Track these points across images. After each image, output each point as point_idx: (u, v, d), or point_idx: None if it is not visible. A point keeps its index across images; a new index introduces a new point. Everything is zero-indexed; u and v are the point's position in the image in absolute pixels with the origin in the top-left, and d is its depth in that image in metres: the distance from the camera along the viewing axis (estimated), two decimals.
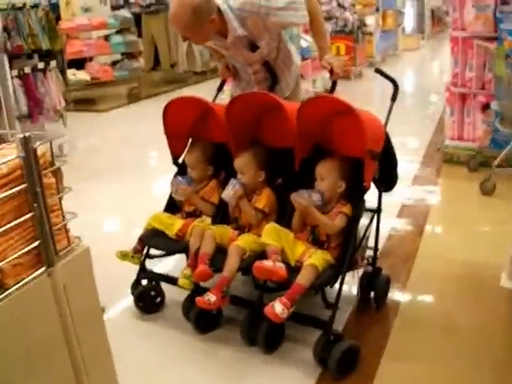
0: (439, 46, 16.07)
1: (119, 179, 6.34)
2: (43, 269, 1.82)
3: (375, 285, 3.47)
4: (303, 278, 2.84)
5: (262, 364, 3.06)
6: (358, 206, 3.09)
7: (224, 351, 3.20)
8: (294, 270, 2.96)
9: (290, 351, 3.13)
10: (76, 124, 8.80)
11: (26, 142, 1.74)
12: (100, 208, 5.57)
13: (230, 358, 3.14)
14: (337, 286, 3.00)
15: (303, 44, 8.55)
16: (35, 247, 1.81)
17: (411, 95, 9.90)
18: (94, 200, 5.89)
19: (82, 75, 9.97)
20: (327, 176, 3.10)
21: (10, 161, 1.72)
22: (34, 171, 1.76)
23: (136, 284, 3.61)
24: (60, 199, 1.99)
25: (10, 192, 1.71)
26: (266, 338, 3.05)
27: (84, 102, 10.46)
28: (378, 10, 12.80)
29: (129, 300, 3.63)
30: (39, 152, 1.79)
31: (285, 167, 3.33)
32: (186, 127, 3.69)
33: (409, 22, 16.53)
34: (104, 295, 3.72)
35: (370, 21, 12.34)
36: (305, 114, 3.12)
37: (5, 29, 6.16)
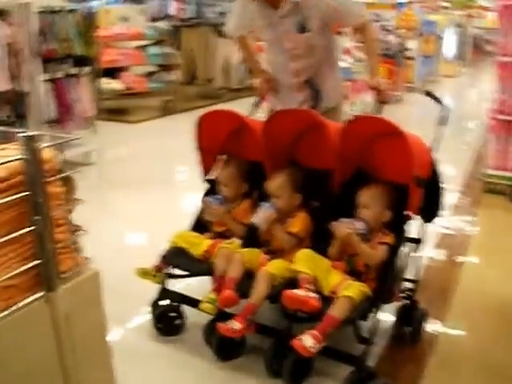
0: (479, 74, 15.83)
1: (146, 192, 6.18)
2: (41, 293, 1.58)
3: (412, 319, 3.23)
4: (337, 310, 2.63)
5: None
6: (400, 236, 2.88)
7: (245, 382, 2.98)
8: (327, 300, 2.74)
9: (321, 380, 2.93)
10: (106, 133, 8.71)
11: (29, 142, 1.50)
12: (124, 220, 5.43)
13: None
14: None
15: (343, 65, 8.36)
16: (33, 267, 1.56)
17: (449, 122, 9.45)
18: (119, 211, 5.82)
19: (115, 84, 9.87)
20: (372, 204, 2.90)
21: (9, 162, 1.49)
22: (38, 177, 1.53)
23: (156, 304, 3.41)
24: (68, 212, 1.75)
25: (7, 200, 1.48)
26: (292, 372, 2.82)
27: (116, 112, 10.36)
28: (421, 34, 12.57)
29: (147, 320, 3.43)
30: (45, 156, 1.56)
31: (322, 190, 3.13)
32: (218, 142, 3.51)
33: (450, 48, 16.25)
34: (121, 313, 3.67)
35: (412, 45, 12.12)
36: (349, 134, 2.93)
37: (40, 31, 6.05)
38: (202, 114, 3.37)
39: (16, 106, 6.01)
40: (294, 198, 3.14)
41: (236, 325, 2.78)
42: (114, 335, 3.40)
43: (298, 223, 3.11)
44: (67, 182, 3.04)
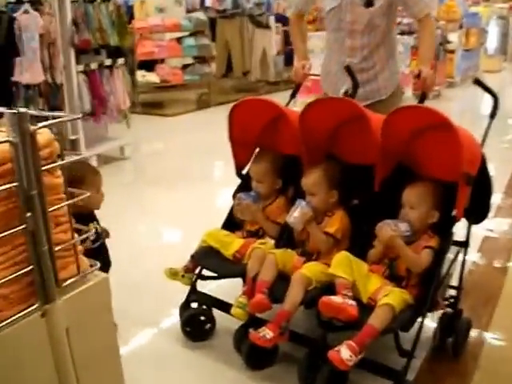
0: None
1: (181, 187, 6.05)
2: (36, 305, 1.34)
3: (455, 329, 2.97)
4: (377, 320, 2.42)
5: None
6: (446, 239, 2.65)
7: None
8: (366, 308, 2.54)
9: None
10: (142, 127, 8.62)
11: (20, 122, 1.26)
12: (156, 216, 5.31)
13: None
14: (413, 329, 2.56)
15: None
16: (27, 274, 1.32)
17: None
18: (153, 207, 5.69)
19: (151, 77, 9.76)
20: (418, 204, 2.66)
21: None
22: (30, 165, 1.28)
23: (185, 307, 3.24)
24: (70, 208, 1.48)
25: None
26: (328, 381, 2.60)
27: (152, 105, 10.27)
28: (461, 26, 12.17)
29: (176, 323, 3.26)
30: (42, 139, 1.31)
31: (362, 187, 2.90)
32: (253, 134, 3.29)
33: (492, 42, 15.74)
34: (150, 314, 3.52)
35: (453, 38, 11.73)
36: (391, 125, 2.68)
37: (73, 22, 5.93)
38: (236, 103, 3.15)
39: (49, 98, 5.89)
40: (330, 195, 2.93)
41: (268, 333, 2.59)
42: (139, 337, 3.29)
43: (336, 223, 2.89)
44: (95, 175, 2.96)
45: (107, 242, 3.07)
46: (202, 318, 3.22)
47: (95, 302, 1.51)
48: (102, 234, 2.94)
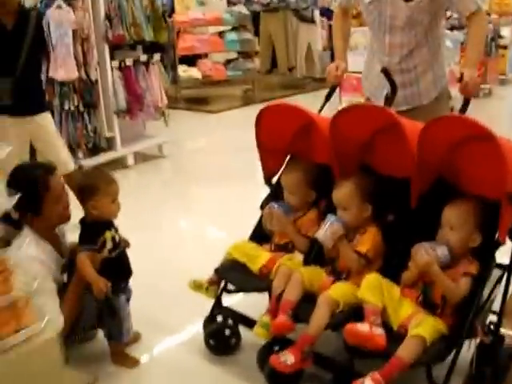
0: None
1: (221, 185, 5.92)
2: None
3: (495, 357, 2.72)
4: (406, 352, 2.22)
5: None
6: (488, 266, 2.42)
7: None
8: (395, 336, 2.34)
9: None
10: (184, 123, 8.51)
11: None
12: (194, 215, 5.31)
13: None
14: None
15: None
16: None
17: None
18: (189, 205, 5.67)
19: (193, 72, 9.62)
20: (459, 225, 2.43)
21: None
22: None
23: (209, 320, 3.10)
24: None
25: None
26: None
27: (196, 101, 10.15)
28: None
29: (201, 335, 3.11)
30: None
31: (397, 202, 2.69)
32: (283, 141, 3.09)
33: None
34: (175, 323, 3.39)
35: (506, 32, 11.24)
36: (429, 137, 2.45)
37: (107, 17, 5.84)
38: (263, 108, 2.97)
39: (84, 95, 5.81)
40: (363, 209, 2.72)
41: (290, 358, 2.42)
42: (162, 346, 3.19)
43: (368, 241, 2.68)
44: (109, 184, 2.83)
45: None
46: (227, 332, 3.06)
47: (38, 365, 1.23)
48: (120, 244, 2.81)
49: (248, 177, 6.23)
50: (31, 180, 2.61)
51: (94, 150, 6.10)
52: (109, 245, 2.71)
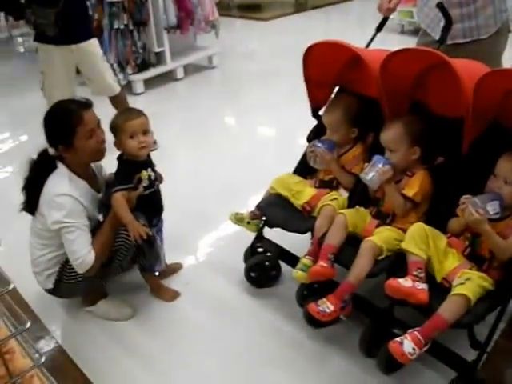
0: None
1: (271, 92, 5.86)
2: None
3: None
4: (448, 312, 2.07)
5: None
6: None
7: (333, 357, 2.53)
8: (438, 289, 2.19)
9: (416, 377, 2.39)
10: (236, 32, 8.27)
11: None
12: (243, 124, 5.32)
13: (338, 369, 2.47)
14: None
15: None
16: None
17: None
18: (239, 113, 5.64)
19: None
20: None
21: None
22: None
23: (250, 252, 3.00)
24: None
25: None
26: (387, 363, 2.30)
27: (248, 8, 9.79)
28: None
29: (241, 267, 3.02)
30: None
31: (449, 143, 2.44)
32: (331, 73, 2.86)
33: None
34: (211, 255, 3.30)
35: None
36: (486, 84, 2.17)
37: None
38: (310, 45, 2.70)
39: (134, 13, 5.60)
40: (412, 152, 2.50)
41: (328, 307, 2.31)
42: (202, 277, 3.12)
43: (416, 184, 2.48)
44: (128, 120, 2.61)
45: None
46: (267, 264, 2.97)
47: None
48: (156, 182, 2.69)
49: (297, 81, 6.13)
50: (65, 113, 2.49)
51: (143, 66, 5.96)
52: (145, 182, 2.61)
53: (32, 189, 2.54)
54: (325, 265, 2.41)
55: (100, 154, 2.58)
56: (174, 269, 3.09)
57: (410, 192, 2.47)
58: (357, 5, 10.40)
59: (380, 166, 2.46)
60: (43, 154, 2.56)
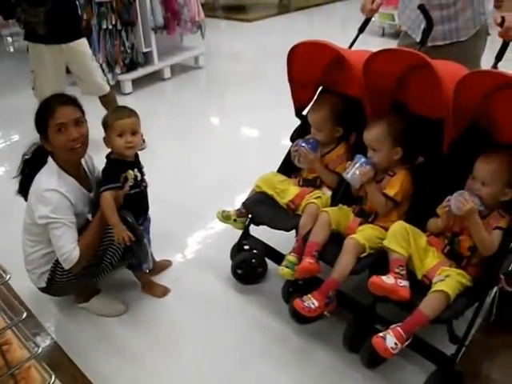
0: None
1: (256, 92, 5.86)
2: None
3: None
4: (428, 308, 2.08)
5: (362, 379, 2.38)
6: None
7: (318, 353, 2.53)
8: (419, 286, 2.20)
9: (398, 370, 2.40)
10: (221, 33, 8.25)
11: None
12: (228, 122, 5.30)
13: (323, 363, 2.47)
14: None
15: None
16: None
17: None
18: (225, 112, 5.64)
19: None
20: (492, 182, 2.20)
21: None
22: None
23: (236, 249, 3.00)
24: None
25: None
26: (370, 357, 2.32)
27: (232, 9, 9.77)
28: None
29: (228, 263, 3.01)
30: None
31: (429, 144, 2.45)
32: (315, 73, 2.86)
33: None
34: (198, 251, 3.28)
35: None
36: (466, 86, 2.17)
37: None
38: (294, 45, 2.69)
39: (122, 13, 5.57)
40: (394, 151, 2.50)
41: (313, 303, 2.31)
42: (189, 274, 3.10)
43: (397, 185, 2.48)
44: (119, 118, 2.58)
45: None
46: (254, 261, 2.96)
47: None
48: (141, 183, 2.68)
49: (281, 82, 6.14)
50: (42, 104, 2.48)
51: (132, 66, 5.93)
52: (131, 182, 2.59)
53: (25, 180, 2.55)
54: (312, 261, 2.40)
55: (73, 151, 2.49)
56: (164, 265, 3.08)
57: (391, 192, 2.48)
58: (339, 7, 10.40)
59: (360, 165, 2.47)
60: (38, 146, 2.56)
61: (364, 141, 2.56)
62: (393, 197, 2.47)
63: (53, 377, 1.46)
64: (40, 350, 1.48)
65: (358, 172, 2.47)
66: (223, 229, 3.20)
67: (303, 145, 2.76)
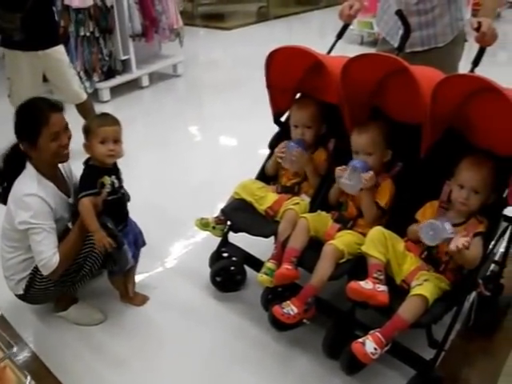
0: None
1: (234, 100, 5.84)
2: None
3: (494, 305, 2.61)
4: (407, 312, 2.09)
5: None
6: (495, 224, 2.25)
7: (298, 358, 2.53)
8: (398, 291, 2.21)
9: (378, 376, 2.40)
10: (200, 41, 8.25)
11: None
12: (206, 130, 5.32)
13: (303, 370, 2.47)
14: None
15: None
16: None
17: None
18: (203, 120, 5.65)
19: None
20: (484, 188, 2.20)
21: None
22: None
23: (215, 257, 2.98)
24: None
25: None
26: (349, 363, 2.30)
27: (211, 17, 9.80)
28: None
29: (205, 272, 2.99)
30: None
31: (407, 150, 2.45)
32: (293, 79, 2.86)
33: None
34: (177, 260, 3.26)
35: None
36: (443, 91, 2.18)
37: None
38: (273, 50, 2.69)
39: (100, 21, 5.55)
40: (385, 154, 2.50)
41: (292, 309, 2.31)
42: (168, 280, 3.09)
43: (387, 193, 2.47)
44: (102, 125, 2.53)
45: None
46: (233, 269, 2.95)
47: None
48: (119, 189, 2.66)
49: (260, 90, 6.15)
50: (34, 111, 2.45)
51: (110, 73, 5.90)
52: (108, 188, 2.56)
53: (3, 183, 2.54)
54: (289, 267, 2.40)
55: (62, 157, 2.52)
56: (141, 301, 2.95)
57: (382, 200, 2.47)
58: (317, 15, 10.46)
59: (361, 170, 2.41)
60: (15, 148, 2.52)
61: (355, 146, 2.52)
62: (383, 206, 2.47)
63: (28, 377, 1.44)
64: (15, 350, 1.46)
65: (360, 178, 2.40)
66: (202, 237, 3.20)
67: (293, 145, 2.72)
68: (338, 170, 2.48)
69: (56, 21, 4.45)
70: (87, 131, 2.56)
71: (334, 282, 2.39)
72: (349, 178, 2.43)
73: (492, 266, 2.66)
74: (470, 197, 2.20)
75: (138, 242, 2.87)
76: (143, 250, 2.93)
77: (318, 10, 10.72)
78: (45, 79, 4.32)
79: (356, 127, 2.53)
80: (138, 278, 2.97)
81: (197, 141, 5.26)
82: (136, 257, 2.86)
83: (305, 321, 2.43)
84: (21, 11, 3.84)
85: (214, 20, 9.73)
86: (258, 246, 2.84)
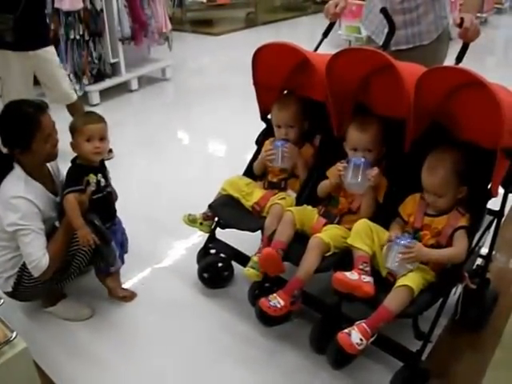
0: None
1: (222, 104, 5.85)
2: None
3: (480, 300, 2.59)
4: (393, 303, 2.07)
5: (329, 378, 2.36)
6: (479, 217, 2.23)
7: (285, 353, 2.51)
8: (383, 283, 2.19)
9: (364, 370, 2.39)
10: (189, 46, 8.23)
11: None
12: (194, 134, 5.27)
13: (291, 364, 2.45)
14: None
15: None
16: None
17: None
18: (191, 124, 5.59)
19: None
20: (446, 192, 2.22)
21: None
22: None
23: (203, 253, 2.96)
24: None
25: None
26: (336, 356, 2.30)
27: (200, 23, 9.79)
28: None
29: (193, 268, 2.97)
30: None
31: (391, 145, 2.45)
32: (280, 77, 2.84)
33: None
34: (165, 257, 3.23)
35: None
36: (426, 84, 2.18)
37: None
38: (259, 48, 2.69)
39: (89, 24, 5.51)
40: (381, 150, 2.49)
41: (279, 302, 2.29)
42: (154, 278, 3.07)
43: (382, 190, 2.45)
44: (88, 123, 2.53)
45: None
46: (220, 265, 2.93)
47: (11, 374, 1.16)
48: (105, 187, 2.64)
49: (247, 94, 6.15)
50: (23, 117, 2.42)
51: (99, 76, 5.87)
52: (93, 186, 2.55)
53: None
54: (271, 250, 2.38)
55: (53, 156, 2.53)
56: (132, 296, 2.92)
57: (380, 197, 2.46)
58: (305, 21, 10.48)
59: (365, 167, 2.39)
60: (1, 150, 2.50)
61: (354, 143, 2.48)
62: (381, 203, 2.45)
63: (14, 333, 1.42)
64: (2, 302, 1.42)
65: (365, 177, 2.38)
66: (190, 234, 3.17)
67: (280, 144, 2.71)
68: (339, 166, 2.46)
69: (47, 22, 4.45)
70: (73, 130, 2.55)
71: (320, 278, 2.38)
72: (354, 177, 2.39)
73: (479, 261, 2.65)
74: (436, 201, 2.24)
75: (124, 245, 2.87)
76: (131, 248, 2.91)
77: (306, 16, 10.74)
78: (36, 82, 4.29)
79: (356, 124, 2.49)
80: (125, 275, 2.94)
81: (185, 143, 5.26)
82: (122, 258, 2.85)
83: (292, 317, 2.41)
84: (14, 12, 3.82)
85: (203, 25, 9.72)
86: (246, 242, 2.81)
